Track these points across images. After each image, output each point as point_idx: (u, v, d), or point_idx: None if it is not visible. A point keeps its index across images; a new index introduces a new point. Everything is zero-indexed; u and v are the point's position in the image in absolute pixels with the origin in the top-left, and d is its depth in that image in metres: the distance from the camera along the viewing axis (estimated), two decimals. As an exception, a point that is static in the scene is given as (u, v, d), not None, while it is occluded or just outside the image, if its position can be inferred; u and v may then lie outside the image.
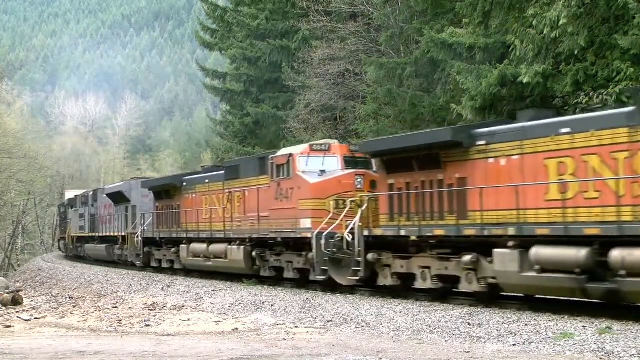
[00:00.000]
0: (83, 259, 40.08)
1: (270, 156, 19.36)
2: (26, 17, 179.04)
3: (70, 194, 53.16)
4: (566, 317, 11.94)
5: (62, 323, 15.38)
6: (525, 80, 17.25)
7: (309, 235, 17.33)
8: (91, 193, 38.50)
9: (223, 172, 22.85)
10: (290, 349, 10.20)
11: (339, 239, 16.61)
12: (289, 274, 19.14)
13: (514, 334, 10.85)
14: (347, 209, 16.85)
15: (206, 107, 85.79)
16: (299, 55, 31.59)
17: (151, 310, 16.65)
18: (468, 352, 9.80)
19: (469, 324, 11.92)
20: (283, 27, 34.95)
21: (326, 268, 16.88)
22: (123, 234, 31.40)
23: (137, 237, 28.44)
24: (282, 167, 18.69)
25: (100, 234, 35.55)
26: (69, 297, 20.96)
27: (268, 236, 19.40)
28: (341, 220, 16.70)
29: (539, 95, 17.99)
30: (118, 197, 32.62)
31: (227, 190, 22.08)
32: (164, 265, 27.21)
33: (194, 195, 24.76)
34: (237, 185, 21.53)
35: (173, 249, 25.87)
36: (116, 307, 17.77)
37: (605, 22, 16.73)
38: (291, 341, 11.21)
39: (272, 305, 15.91)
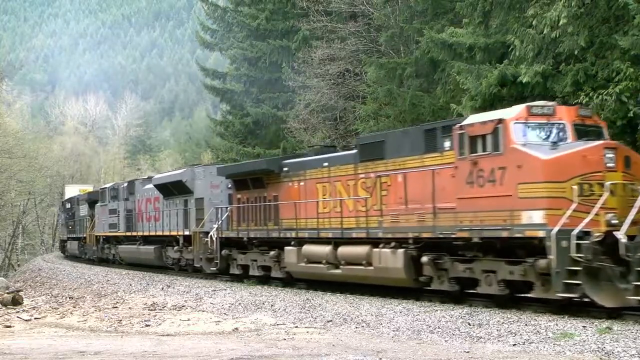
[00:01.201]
0: (110, 263, 34.59)
1: (458, 124, 14.28)
2: (26, 17, 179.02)
3: (70, 191, 50.52)
4: (566, 317, 11.95)
5: (62, 323, 15.38)
6: (525, 80, 17.25)
7: (540, 234, 12.34)
8: (125, 185, 32.41)
9: (352, 151, 17.76)
10: (290, 349, 10.20)
11: (596, 240, 11.89)
12: (488, 288, 13.69)
13: (514, 334, 10.85)
14: (603, 198, 12.22)
15: (206, 107, 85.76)
16: (299, 55, 31.57)
17: (151, 310, 16.65)
18: (468, 352, 9.81)
19: (469, 324, 11.92)
20: (283, 27, 34.94)
21: (578, 282, 11.83)
22: (185, 232, 25.40)
23: (210, 237, 22.68)
24: (483, 139, 13.63)
25: (144, 233, 29.43)
26: (69, 297, 20.96)
27: (453, 235, 14.14)
28: (596, 213, 12.16)
29: (538, 95, 17.98)
30: (173, 189, 26.44)
31: (363, 175, 16.80)
32: (254, 272, 21.12)
33: (301, 184, 19.18)
34: (381, 167, 16.27)
35: (272, 253, 19.99)
36: (116, 307, 17.77)
37: (605, 22, 16.73)
38: (291, 341, 11.21)
39: (272, 305, 15.91)
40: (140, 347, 10.82)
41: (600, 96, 15.68)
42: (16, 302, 18.97)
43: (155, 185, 27.91)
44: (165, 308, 16.88)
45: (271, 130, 35.28)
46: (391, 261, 15.42)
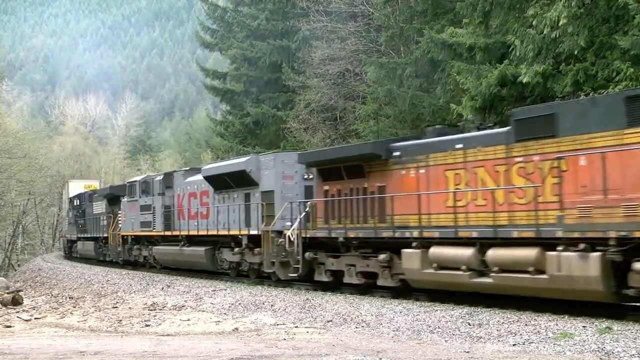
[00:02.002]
0: (139, 266, 30.45)
1: None
2: (26, 17, 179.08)
3: (75, 187, 46.50)
4: (566, 317, 11.95)
5: (62, 323, 15.38)
6: (525, 80, 17.27)
7: None
8: (160, 178, 27.64)
9: (502, 129, 14.24)
10: (290, 349, 10.20)
11: None
12: None
13: (514, 334, 10.85)
14: None
15: (206, 107, 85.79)
16: (299, 55, 31.60)
17: (151, 310, 16.66)
18: (468, 352, 9.81)
19: (469, 324, 11.92)
20: (283, 27, 34.98)
21: None
22: (251, 232, 20.89)
23: (288, 237, 18.59)
24: None
25: (189, 232, 24.78)
26: (69, 297, 20.96)
27: None
28: None
29: (538, 95, 18.00)
30: (230, 180, 22.01)
31: (521, 158, 13.37)
32: (350, 279, 17.28)
33: (420, 171, 15.53)
34: (552, 147, 12.73)
35: (381, 256, 16.07)
36: (116, 307, 17.78)
37: (605, 22, 16.74)
38: (291, 341, 11.21)
39: (272, 305, 15.91)
40: (140, 347, 10.83)
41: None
42: (16, 302, 18.97)
43: (206, 177, 23.23)
44: (165, 308, 16.88)
45: (271, 130, 35.31)
46: (579, 268, 11.82)
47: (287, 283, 19.73)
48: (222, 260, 23.01)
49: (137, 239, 29.98)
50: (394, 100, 24.85)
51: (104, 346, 11.12)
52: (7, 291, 21.41)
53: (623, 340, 9.82)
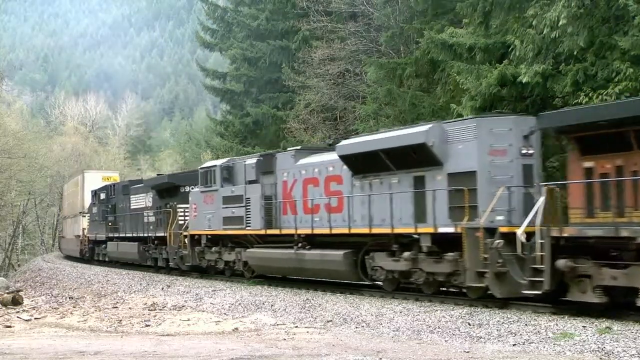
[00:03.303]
0: (212, 272, 23.67)
1: None
2: (26, 17, 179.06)
3: (92, 178, 40.10)
4: (566, 317, 11.95)
5: (62, 323, 15.38)
6: (525, 80, 17.28)
7: None
8: (254, 160, 20.81)
9: None
10: (290, 349, 10.21)
11: None
12: None
13: (514, 334, 10.85)
14: None
15: (206, 107, 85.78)
16: (299, 55, 31.61)
17: (151, 310, 16.66)
18: (468, 352, 9.81)
19: (469, 324, 11.92)
20: (283, 27, 35.00)
21: None
22: (441, 229, 14.46)
23: (518, 237, 12.79)
24: None
25: (312, 231, 18.14)
26: (69, 297, 20.97)
27: None
28: None
29: (538, 95, 18.01)
30: (389, 159, 15.77)
31: None
32: None
33: None
34: None
35: None
36: (116, 307, 17.78)
37: (605, 23, 16.75)
38: (291, 341, 11.22)
39: (272, 305, 15.91)
40: (140, 347, 10.83)
41: (600, 96, 15.70)
42: (16, 302, 18.97)
43: (344, 157, 16.89)
44: (165, 308, 16.89)
45: (271, 130, 35.32)
46: None
47: (287, 283, 19.73)
48: (373, 269, 16.35)
49: (214, 240, 22.65)
50: (394, 100, 24.85)
51: (104, 346, 11.12)
52: (7, 291, 21.42)
53: (623, 340, 9.82)
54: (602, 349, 9.44)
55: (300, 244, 18.38)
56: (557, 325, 11.26)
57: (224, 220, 21.43)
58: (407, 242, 15.46)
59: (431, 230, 14.53)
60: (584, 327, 10.98)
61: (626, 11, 15.75)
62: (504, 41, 18.91)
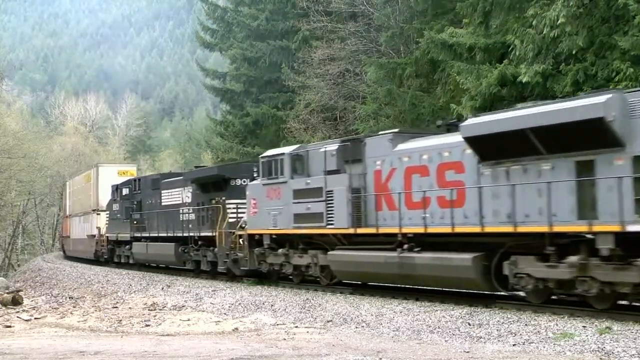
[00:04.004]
0: (273, 278, 20.51)
1: None
2: (26, 17, 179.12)
3: (107, 172, 36.59)
4: (566, 317, 11.95)
5: (62, 323, 15.38)
6: (525, 80, 17.30)
7: None
8: (334, 147, 17.41)
9: None
10: (290, 349, 10.21)
11: None
12: None
13: (514, 334, 10.85)
14: None
15: (206, 107, 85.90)
16: (299, 55, 31.63)
17: (151, 310, 16.66)
18: (468, 352, 9.81)
19: (469, 324, 11.92)
20: (283, 27, 35.04)
21: None
22: (633, 227, 11.09)
23: None
24: None
25: (421, 229, 14.79)
26: (69, 297, 20.96)
27: None
28: None
29: (538, 95, 18.02)
30: (539, 140, 12.54)
31: None
32: None
33: None
34: None
35: None
36: (116, 307, 17.78)
37: (604, 22, 16.76)
38: (291, 341, 11.22)
39: (272, 305, 15.91)
40: (140, 347, 10.83)
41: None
42: (16, 302, 18.97)
43: (472, 139, 13.70)
44: (165, 308, 16.89)
45: (271, 130, 35.35)
46: None
47: (285, 283, 19.72)
48: (516, 276, 13.00)
49: (280, 240, 19.20)
50: (394, 100, 24.86)
51: (104, 346, 11.12)
52: (7, 291, 21.41)
53: (623, 340, 9.82)
54: (602, 349, 9.44)
55: (405, 246, 15.01)
56: (557, 325, 11.26)
57: (295, 218, 18.00)
58: (566, 244, 12.26)
59: (616, 228, 11.20)
60: (584, 327, 10.98)
61: (626, 11, 15.76)
62: (504, 41, 18.92)
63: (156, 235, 26.90)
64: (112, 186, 32.37)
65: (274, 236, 19.16)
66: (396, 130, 16.82)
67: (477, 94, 18.66)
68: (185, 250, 24.69)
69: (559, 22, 16.22)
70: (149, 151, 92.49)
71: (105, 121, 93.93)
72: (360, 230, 16.21)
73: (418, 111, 24.17)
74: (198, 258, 23.88)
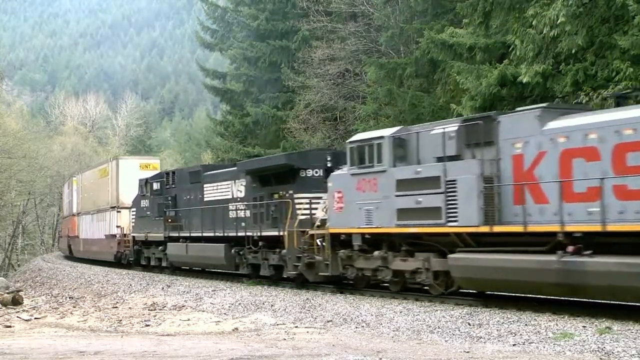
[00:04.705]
0: (361, 285, 17.17)
1: None
2: (26, 17, 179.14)
3: (128, 165, 33.37)
4: (566, 317, 11.95)
5: (62, 323, 15.39)
6: (525, 80, 17.30)
7: None
8: (454, 127, 14.43)
9: None
10: (290, 349, 10.21)
11: None
12: None
13: (514, 334, 10.85)
14: None
15: (206, 107, 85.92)
16: (299, 55, 31.65)
17: (151, 310, 16.66)
18: (468, 352, 9.81)
19: (469, 324, 11.92)
20: (283, 27, 35.05)
21: None
22: None
23: None
24: None
25: (601, 226, 11.61)
26: (69, 297, 20.97)
27: None
28: None
29: (538, 95, 18.02)
30: None
31: None
32: None
33: None
34: None
35: None
36: (116, 307, 17.78)
37: (604, 22, 16.77)
38: (291, 341, 11.22)
39: (272, 305, 15.91)
40: (140, 347, 10.83)
41: (600, 96, 15.71)
42: (16, 302, 18.97)
43: None
44: (165, 308, 16.89)
45: (271, 130, 35.37)
46: None
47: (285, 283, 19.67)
48: None
49: (374, 241, 16.02)
50: (394, 100, 24.88)
51: (104, 346, 11.12)
52: (7, 291, 21.41)
53: (623, 340, 9.82)
54: (602, 349, 9.44)
55: (570, 248, 11.97)
56: (557, 325, 11.27)
57: (399, 214, 14.93)
58: None
59: None
60: (584, 327, 10.98)
61: (626, 10, 15.77)
62: (504, 41, 18.93)
63: (199, 234, 23.40)
64: (140, 180, 28.79)
65: (367, 236, 15.96)
66: (544, 105, 13.65)
67: (477, 94, 18.67)
68: (241, 252, 21.18)
69: (559, 21, 16.22)
70: (149, 151, 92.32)
71: (105, 121, 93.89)
72: (498, 229, 13.13)
73: (418, 111, 24.18)
74: (257, 261, 20.56)
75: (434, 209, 14.11)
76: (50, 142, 70.40)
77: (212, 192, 23.39)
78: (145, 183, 28.34)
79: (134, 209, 29.42)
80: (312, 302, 15.70)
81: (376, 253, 15.73)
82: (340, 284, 17.73)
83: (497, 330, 11.25)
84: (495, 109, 17.97)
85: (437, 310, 13.57)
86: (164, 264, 26.74)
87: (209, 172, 24.17)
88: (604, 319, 11.52)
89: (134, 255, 29.52)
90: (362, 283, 17.01)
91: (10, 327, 14.82)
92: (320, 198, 18.15)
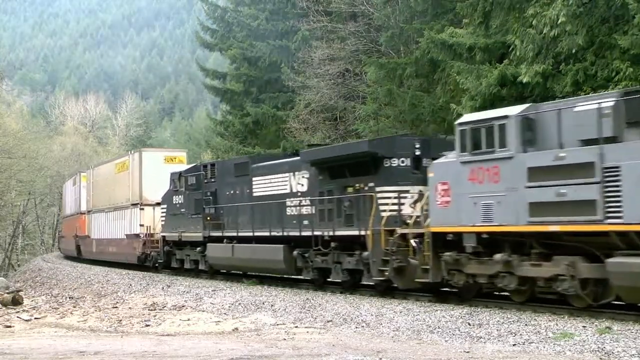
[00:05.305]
0: (459, 296, 15.05)
1: None
2: (26, 17, 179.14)
3: (151, 159, 30.46)
4: (566, 317, 11.95)
5: (62, 323, 15.39)
6: (525, 80, 17.29)
7: None
8: (613, 102, 11.69)
9: None
10: (290, 349, 10.21)
11: None
12: None
13: (514, 334, 10.85)
14: None
15: (206, 107, 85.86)
16: (299, 55, 31.64)
17: (151, 310, 16.66)
18: (468, 352, 9.81)
19: (469, 324, 11.92)
20: (283, 27, 35.05)
21: None
22: None
23: None
24: None
25: None
26: (69, 297, 20.97)
27: None
28: None
29: (538, 95, 18.01)
30: None
31: None
32: None
33: None
34: None
35: None
36: (116, 307, 17.78)
37: (604, 22, 16.76)
38: (291, 341, 11.22)
39: (272, 305, 15.91)
40: (140, 347, 10.83)
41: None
42: (16, 302, 18.98)
43: None
44: (165, 308, 16.88)
45: (271, 130, 35.36)
46: None
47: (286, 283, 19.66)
48: None
49: (492, 242, 13.46)
50: (394, 100, 24.86)
51: (104, 346, 11.12)
52: (7, 291, 21.42)
53: (623, 340, 9.82)
54: (602, 349, 9.45)
55: None
56: (557, 325, 11.27)
57: (531, 209, 12.44)
58: None
59: None
60: (584, 327, 10.98)
61: (626, 10, 15.76)
62: (504, 41, 18.92)
63: (250, 234, 20.57)
64: (172, 174, 25.78)
65: (484, 235, 13.44)
66: None
67: (477, 94, 18.65)
68: (305, 255, 18.41)
69: (560, 21, 16.22)
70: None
71: (105, 121, 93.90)
72: None
73: (418, 111, 24.16)
74: (326, 265, 17.75)
75: (585, 203, 11.59)
76: (50, 142, 70.41)
77: (264, 186, 20.50)
78: (178, 177, 25.14)
79: (164, 206, 26.24)
80: (312, 302, 15.70)
81: (497, 256, 13.12)
82: (438, 293, 15.33)
83: (497, 330, 11.25)
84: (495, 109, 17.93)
85: (437, 310, 13.57)
86: (201, 266, 23.78)
87: (259, 164, 21.22)
88: (604, 319, 11.52)
89: (164, 257, 26.22)
90: (470, 292, 14.52)
91: (10, 327, 14.83)
92: (407, 192, 15.84)
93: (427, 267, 14.23)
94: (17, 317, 16.45)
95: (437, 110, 23.19)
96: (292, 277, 19.89)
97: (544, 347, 9.93)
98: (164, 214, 26.16)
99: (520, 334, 10.80)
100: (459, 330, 11.55)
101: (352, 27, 29.41)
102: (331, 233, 17.29)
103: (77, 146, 71.09)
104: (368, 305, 14.61)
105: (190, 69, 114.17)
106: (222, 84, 40.17)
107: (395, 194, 15.83)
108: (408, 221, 15.24)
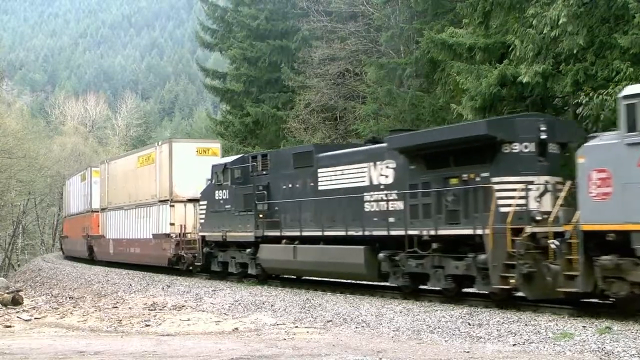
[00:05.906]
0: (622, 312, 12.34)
1: None
2: (26, 17, 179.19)
3: (182, 150, 27.05)
4: (566, 317, 11.95)
5: (62, 323, 15.38)
6: (525, 80, 17.28)
7: None
8: None
9: None
10: (290, 349, 10.20)
11: None
12: None
13: (514, 334, 10.85)
14: None
15: (206, 107, 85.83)
16: (299, 55, 31.67)
17: (151, 310, 16.65)
18: (468, 352, 9.81)
19: (469, 324, 11.92)
20: (283, 27, 35.08)
21: None
22: None
23: None
24: None
25: None
26: (69, 297, 20.96)
27: None
28: None
29: (538, 95, 18.01)
30: None
31: None
32: None
33: None
34: None
35: None
36: (116, 307, 17.77)
37: (605, 22, 16.76)
38: (291, 341, 11.22)
39: (272, 305, 15.91)
40: (140, 347, 10.83)
41: (600, 96, 15.70)
42: (16, 302, 18.96)
43: None
44: (165, 308, 16.88)
45: (271, 130, 35.37)
46: None
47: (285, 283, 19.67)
48: None
49: None
50: (394, 100, 24.88)
51: (104, 346, 11.12)
52: (7, 291, 21.40)
53: (623, 340, 9.82)
54: (602, 349, 9.44)
55: None
56: (557, 325, 11.27)
57: None
58: None
59: None
60: (584, 327, 10.98)
61: (626, 10, 15.76)
62: (504, 41, 18.91)
63: (317, 234, 17.87)
64: (214, 167, 22.91)
65: None
66: None
67: (477, 94, 18.64)
68: (395, 258, 15.67)
69: (560, 21, 16.21)
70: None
71: (105, 121, 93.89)
72: None
73: (418, 111, 24.18)
74: (422, 270, 15.01)
75: None
76: (50, 142, 70.42)
77: (334, 178, 17.76)
78: (222, 170, 22.20)
79: (204, 202, 23.25)
80: (312, 302, 15.70)
81: None
82: (579, 306, 12.60)
83: (497, 330, 11.25)
84: (495, 109, 17.95)
85: (437, 310, 13.57)
86: (250, 270, 21.03)
87: (326, 153, 18.41)
88: (604, 319, 11.52)
89: (204, 260, 23.52)
90: (635, 304, 11.65)
91: (10, 327, 14.82)
92: (532, 182, 13.42)
93: (575, 273, 11.67)
94: (17, 317, 16.44)
95: (437, 110, 23.21)
96: (373, 283, 17.21)
97: (544, 347, 9.93)
98: (204, 211, 23.22)
99: (520, 334, 10.80)
100: (459, 330, 11.55)
101: (352, 27, 29.44)
102: (432, 232, 14.44)
103: (77, 146, 71.08)
104: (368, 305, 14.61)
105: (190, 69, 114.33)
106: (222, 84, 40.18)
107: (521, 186, 13.30)
108: (538, 218, 12.97)
